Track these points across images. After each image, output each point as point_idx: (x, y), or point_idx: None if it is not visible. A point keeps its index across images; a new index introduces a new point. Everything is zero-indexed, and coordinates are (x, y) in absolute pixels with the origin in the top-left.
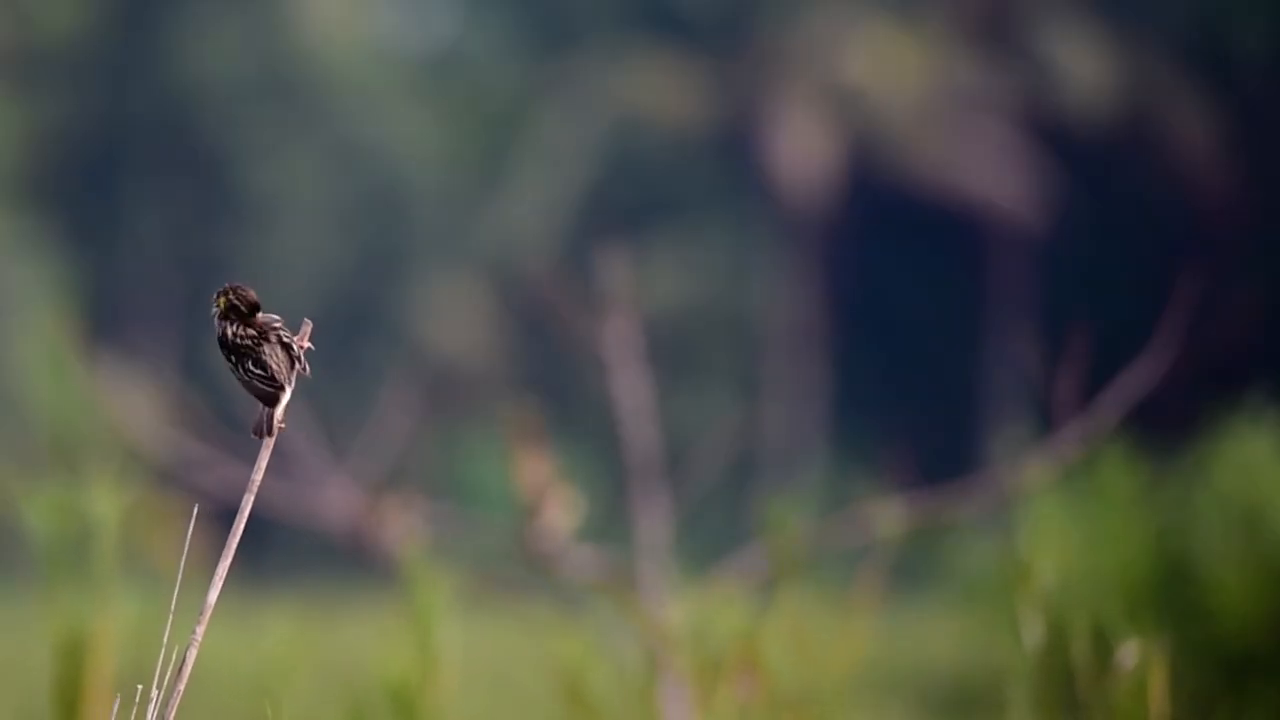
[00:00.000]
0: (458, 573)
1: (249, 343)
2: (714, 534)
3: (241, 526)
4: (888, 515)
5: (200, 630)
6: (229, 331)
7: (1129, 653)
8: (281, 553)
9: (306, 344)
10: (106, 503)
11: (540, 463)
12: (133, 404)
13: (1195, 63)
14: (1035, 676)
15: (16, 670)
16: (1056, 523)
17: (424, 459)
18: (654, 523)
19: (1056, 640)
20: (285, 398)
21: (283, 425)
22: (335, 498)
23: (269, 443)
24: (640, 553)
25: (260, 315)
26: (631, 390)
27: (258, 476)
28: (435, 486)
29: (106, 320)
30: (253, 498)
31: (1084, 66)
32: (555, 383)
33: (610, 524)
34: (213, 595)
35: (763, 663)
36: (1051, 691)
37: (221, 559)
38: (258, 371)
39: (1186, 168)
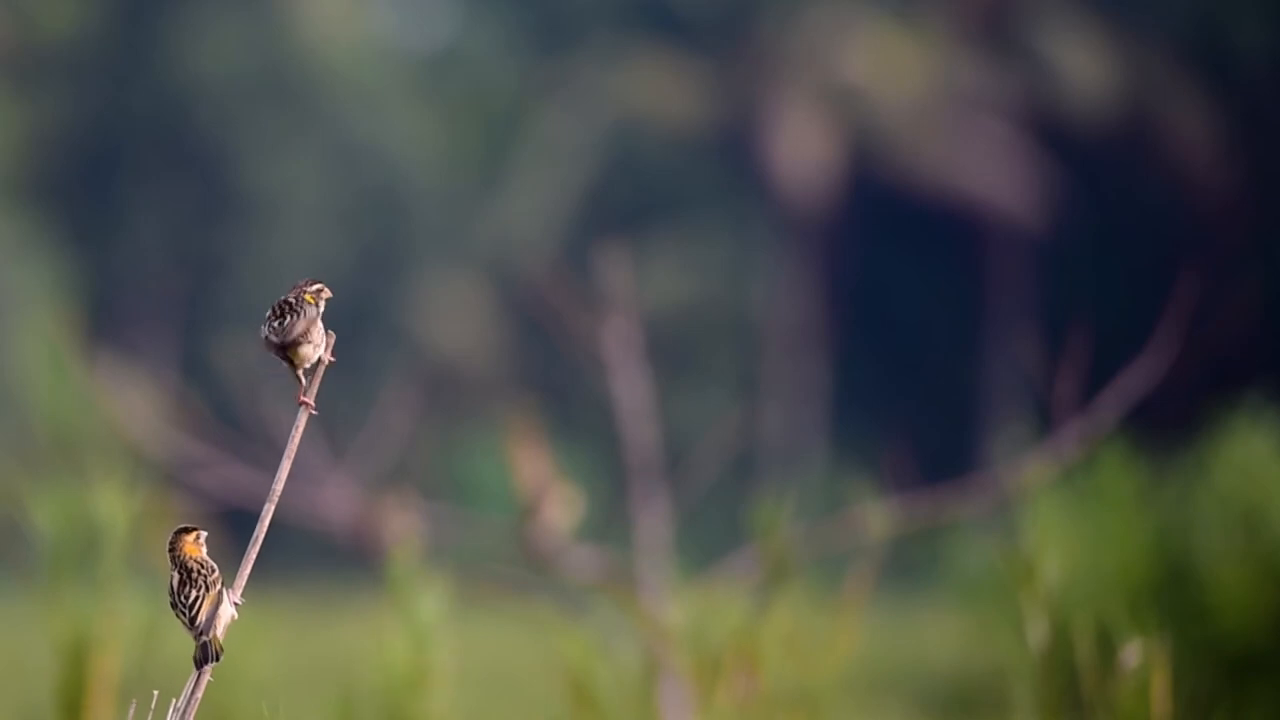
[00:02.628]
0: (458, 572)
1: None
2: (714, 534)
3: (261, 536)
4: (881, 517)
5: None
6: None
7: (1133, 653)
8: (281, 552)
9: (329, 357)
10: (113, 505)
11: (540, 461)
12: (132, 404)
13: (1195, 63)
14: (1039, 676)
15: (19, 671)
16: (1057, 523)
17: (424, 459)
18: (654, 523)
19: (1060, 640)
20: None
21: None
22: (335, 497)
23: (290, 452)
24: (640, 552)
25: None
26: (631, 390)
27: (278, 487)
28: (435, 486)
29: (106, 320)
30: (273, 507)
31: (1084, 66)
32: (555, 383)
33: (610, 524)
34: (228, 606)
35: (762, 662)
36: (1055, 691)
37: (240, 569)
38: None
39: (1186, 168)
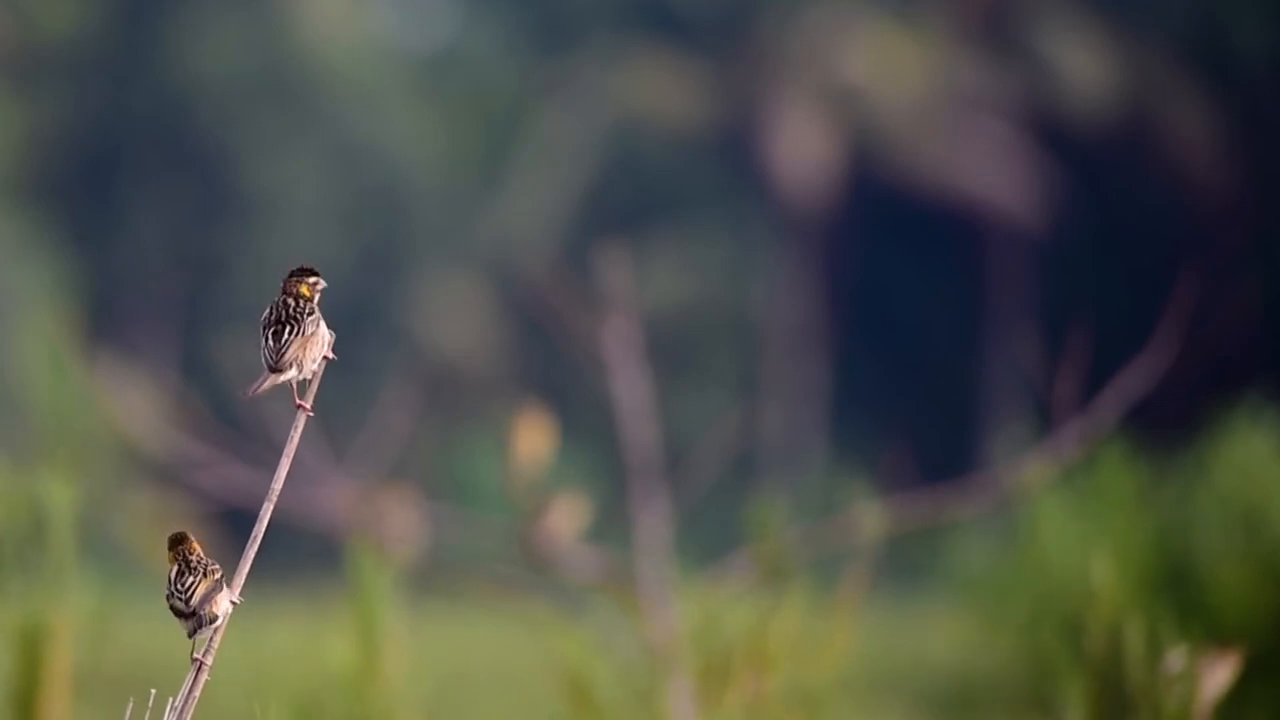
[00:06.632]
0: (457, 572)
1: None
2: (714, 534)
3: (260, 535)
4: (877, 517)
5: (215, 642)
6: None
7: (1178, 656)
8: (280, 552)
9: (330, 354)
10: (60, 492)
11: (539, 442)
12: (132, 404)
13: (1195, 63)
14: (1087, 678)
15: None
16: (1057, 523)
17: (424, 459)
18: (654, 523)
19: (1070, 640)
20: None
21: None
22: (334, 497)
23: (289, 453)
24: (640, 552)
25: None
26: (631, 390)
27: (277, 486)
28: (435, 486)
29: (106, 320)
30: (271, 506)
31: (1084, 66)
32: (555, 383)
33: (610, 524)
34: (227, 600)
35: (770, 663)
36: (1096, 693)
37: (239, 568)
38: (272, 344)
39: (1186, 168)
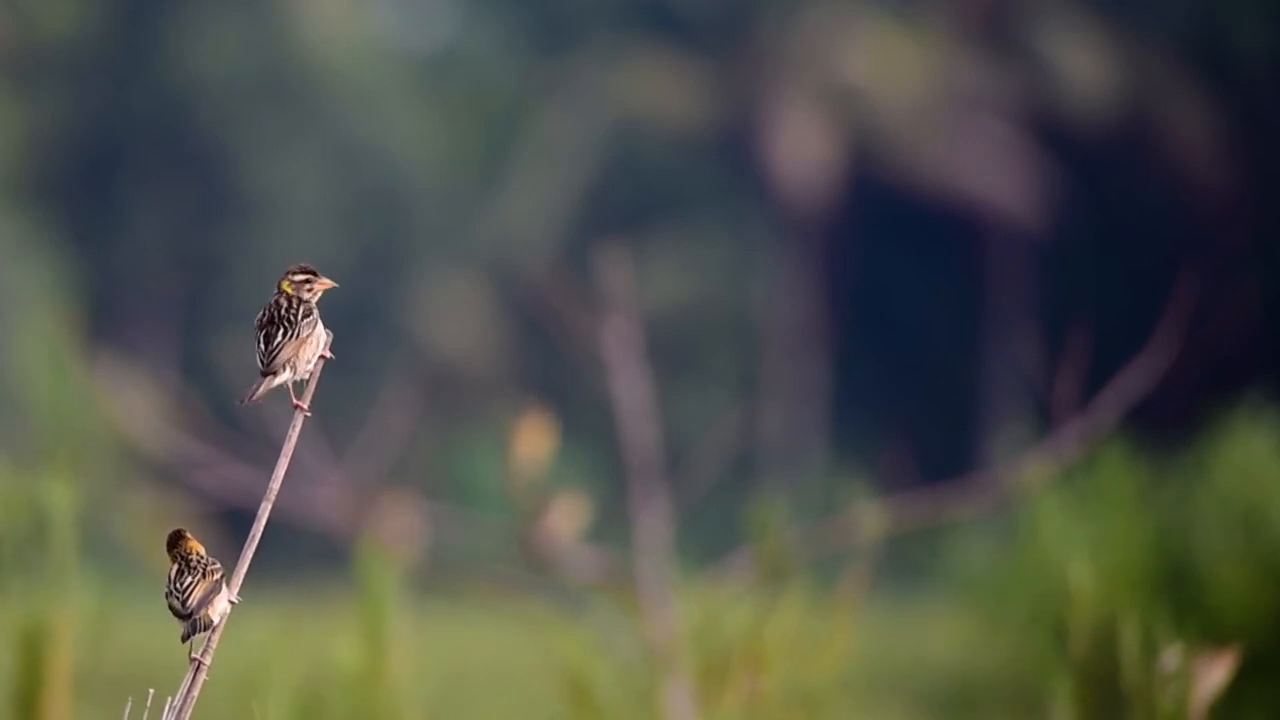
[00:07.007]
0: (457, 572)
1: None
2: (714, 534)
3: (258, 535)
4: (877, 517)
5: (214, 642)
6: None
7: (1173, 655)
8: (280, 551)
9: (328, 354)
10: (61, 493)
11: (539, 442)
12: (132, 404)
13: (1195, 63)
14: (1077, 678)
15: None
16: (1057, 523)
17: (424, 459)
18: (654, 523)
19: (1085, 641)
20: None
21: (305, 410)
22: (334, 497)
23: (286, 452)
24: (640, 552)
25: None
26: (631, 390)
27: (275, 485)
28: (435, 486)
29: (106, 320)
30: (269, 506)
31: (1084, 66)
32: (555, 383)
33: (610, 524)
34: (225, 599)
35: (767, 663)
36: (1086, 692)
37: (237, 567)
38: (262, 348)
39: (1186, 168)
